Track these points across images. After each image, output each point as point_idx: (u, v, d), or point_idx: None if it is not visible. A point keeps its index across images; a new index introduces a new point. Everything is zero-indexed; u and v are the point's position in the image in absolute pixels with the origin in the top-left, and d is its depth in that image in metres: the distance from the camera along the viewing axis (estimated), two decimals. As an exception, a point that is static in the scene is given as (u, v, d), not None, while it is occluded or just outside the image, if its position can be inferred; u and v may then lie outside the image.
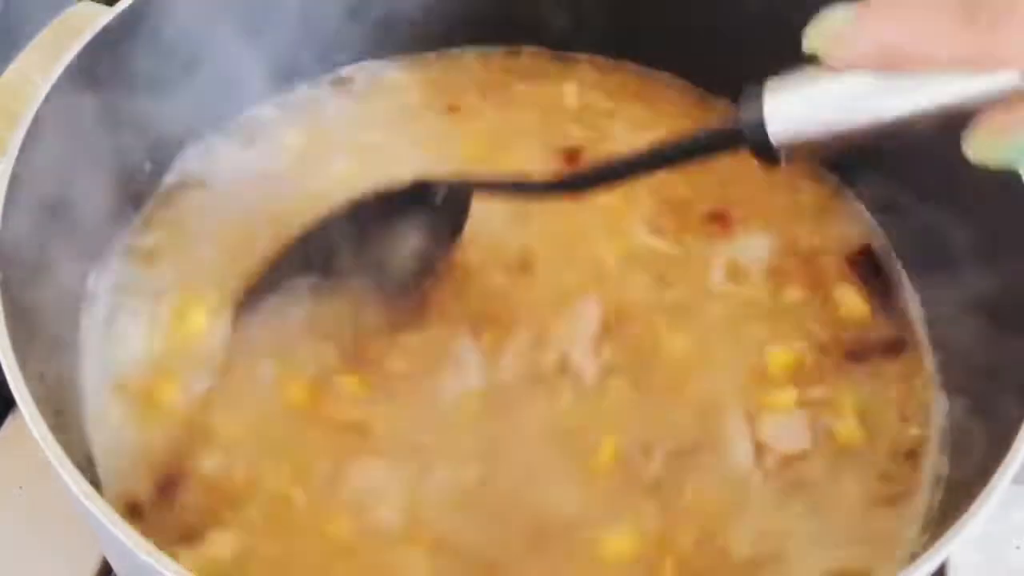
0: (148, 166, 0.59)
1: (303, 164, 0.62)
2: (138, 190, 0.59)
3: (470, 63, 0.67)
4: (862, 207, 0.61)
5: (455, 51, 0.68)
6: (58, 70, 0.51)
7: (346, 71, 0.66)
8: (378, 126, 0.64)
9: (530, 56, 0.68)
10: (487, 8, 0.66)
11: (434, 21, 0.66)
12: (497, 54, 0.68)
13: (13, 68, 0.59)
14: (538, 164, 0.61)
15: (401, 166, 0.56)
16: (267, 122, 0.64)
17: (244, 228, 0.58)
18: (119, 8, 0.54)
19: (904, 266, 0.59)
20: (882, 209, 0.60)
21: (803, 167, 0.62)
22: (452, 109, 0.64)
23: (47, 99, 0.50)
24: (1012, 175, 0.49)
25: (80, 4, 0.63)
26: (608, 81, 0.66)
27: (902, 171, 0.56)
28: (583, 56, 0.67)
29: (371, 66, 0.67)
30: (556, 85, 0.66)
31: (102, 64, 0.53)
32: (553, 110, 0.65)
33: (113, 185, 0.57)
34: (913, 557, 0.41)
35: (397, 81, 0.66)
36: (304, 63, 0.65)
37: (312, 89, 0.65)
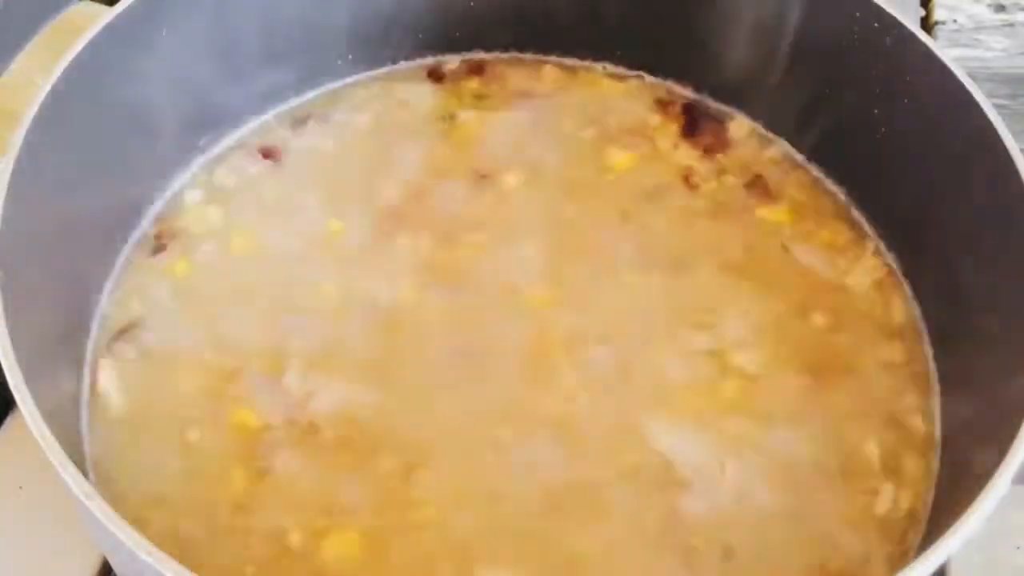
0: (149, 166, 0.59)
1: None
2: (139, 190, 0.59)
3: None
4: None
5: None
6: (58, 70, 0.51)
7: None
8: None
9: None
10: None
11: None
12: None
13: (13, 68, 0.59)
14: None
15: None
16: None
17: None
18: (119, 8, 0.54)
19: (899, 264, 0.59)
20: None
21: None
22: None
23: (47, 99, 0.50)
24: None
25: (80, 4, 0.62)
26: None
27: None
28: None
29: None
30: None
31: (102, 64, 0.53)
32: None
33: (114, 184, 0.57)
34: (913, 557, 0.41)
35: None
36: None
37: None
